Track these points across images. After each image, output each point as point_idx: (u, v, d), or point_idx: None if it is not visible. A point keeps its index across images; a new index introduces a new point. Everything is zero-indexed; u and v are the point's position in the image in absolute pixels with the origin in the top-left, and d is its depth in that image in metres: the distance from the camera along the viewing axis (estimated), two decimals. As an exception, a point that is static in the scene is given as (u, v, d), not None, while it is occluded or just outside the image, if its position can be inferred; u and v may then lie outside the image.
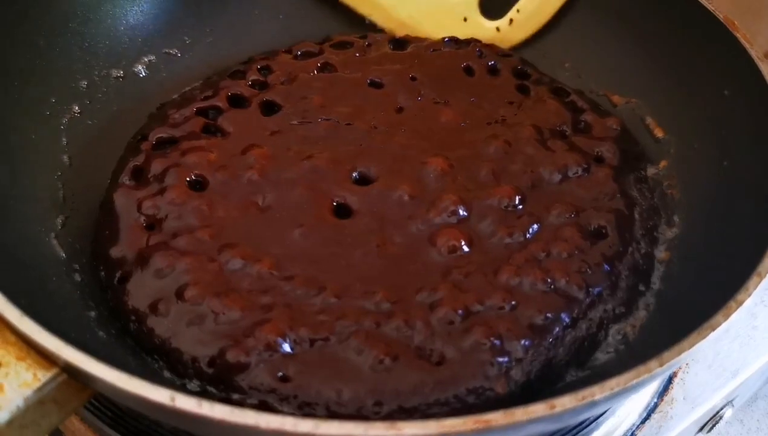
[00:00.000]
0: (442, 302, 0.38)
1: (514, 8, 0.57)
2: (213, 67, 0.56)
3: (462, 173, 0.46)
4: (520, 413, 0.28)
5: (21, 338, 0.31)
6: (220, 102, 0.51)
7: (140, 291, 0.40)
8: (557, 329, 0.38)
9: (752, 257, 0.35)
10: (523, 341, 0.37)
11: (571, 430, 0.44)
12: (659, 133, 0.50)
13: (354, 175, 0.46)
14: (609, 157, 0.48)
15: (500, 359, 0.36)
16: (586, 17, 0.55)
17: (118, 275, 0.41)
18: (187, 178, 0.45)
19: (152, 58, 0.55)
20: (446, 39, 0.57)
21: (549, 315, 0.38)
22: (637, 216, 0.45)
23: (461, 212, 0.43)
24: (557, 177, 0.46)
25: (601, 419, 0.45)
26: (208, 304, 0.39)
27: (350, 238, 0.42)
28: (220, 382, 0.36)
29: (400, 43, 0.57)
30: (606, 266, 0.41)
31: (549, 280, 0.40)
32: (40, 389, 0.31)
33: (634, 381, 0.30)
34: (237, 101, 0.51)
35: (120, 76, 0.53)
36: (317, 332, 0.37)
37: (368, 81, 0.53)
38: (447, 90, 0.52)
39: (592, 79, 0.55)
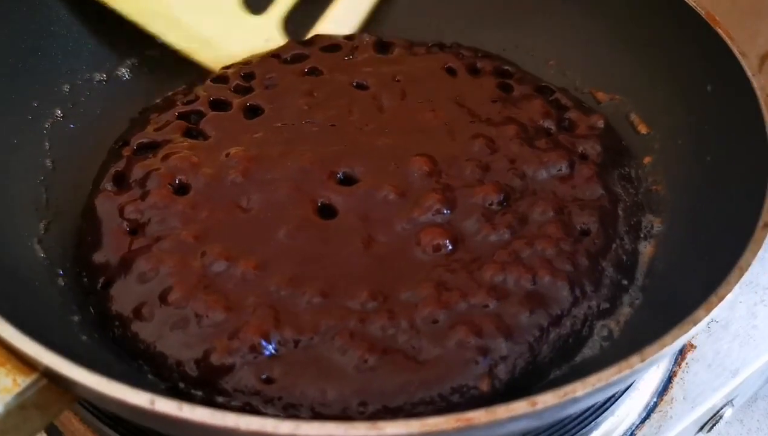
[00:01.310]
0: (426, 300, 0.38)
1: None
2: (196, 69, 0.56)
3: (446, 172, 0.46)
4: (502, 411, 0.28)
5: (0, 343, 0.31)
6: (201, 106, 0.51)
7: (124, 296, 0.40)
8: (541, 326, 0.38)
9: (734, 252, 0.35)
10: (507, 340, 0.37)
11: (570, 430, 0.45)
12: (643, 129, 0.50)
13: (338, 175, 0.46)
14: (593, 154, 0.48)
15: (484, 358, 0.36)
16: (570, 15, 0.55)
17: (101, 280, 0.41)
18: (170, 183, 0.45)
19: (135, 60, 0.55)
20: (430, 44, 0.57)
21: (533, 313, 0.38)
22: (620, 212, 0.45)
23: (445, 211, 0.43)
24: (541, 174, 0.46)
25: (600, 418, 0.45)
26: (192, 306, 0.38)
27: (335, 238, 0.42)
28: (205, 385, 0.36)
29: (385, 46, 0.57)
30: (590, 262, 0.41)
31: (533, 277, 0.40)
32: (20, 394, 0.31)
33: (616, 377, 0.30)
34: (219, 105, 0.51)
35: (103, 80, 0.53)
36: (301, 332, 0.37)
37: (354, 83, 0.53)
38: (430, 90, 0.52)
39: (577, 77, 0.55)
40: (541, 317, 0.38)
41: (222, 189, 0.45)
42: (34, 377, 0.31)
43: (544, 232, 0.42)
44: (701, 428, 0.53)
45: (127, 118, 0.52)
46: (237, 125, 0.49)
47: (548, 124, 0.50)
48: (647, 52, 0.51)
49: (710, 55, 0.46)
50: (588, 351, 0.39)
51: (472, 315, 0.38)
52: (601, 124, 0.50)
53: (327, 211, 0.44)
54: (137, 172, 0.46)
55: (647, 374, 0.49)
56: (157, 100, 0.53)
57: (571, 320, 0.39)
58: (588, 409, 0.45)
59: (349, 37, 0.57)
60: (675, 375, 0.50)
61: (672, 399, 0.48)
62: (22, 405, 0.31)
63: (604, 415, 0.46)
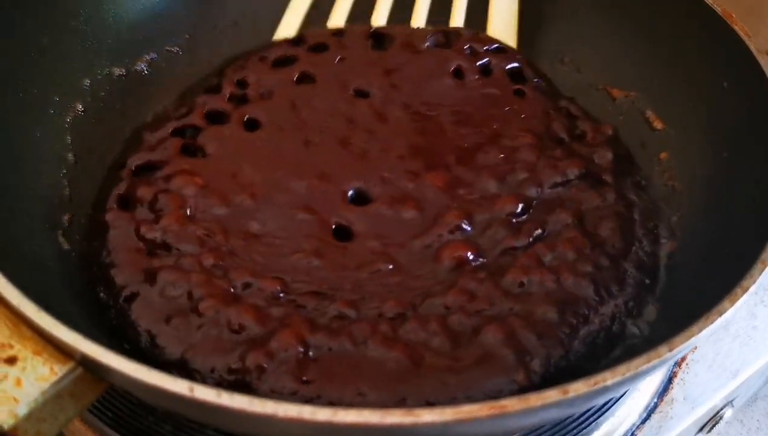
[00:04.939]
0: (454, 306, 0.39)
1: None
2: (214, 64, 0.56)
3: (462, 185, 0.45)
4: (534, 399, 0.29)
5: (37, 332, 0.31)
6: (197, 120, 0.49)
7: (148, 309, 0.39)
8: (570, 323, 0.38)
9: (756, 245, 0.35)
10: (537, 337, 0.37)
11: (571, 430, 0.45)
12: (659, 125, 0.51)
13: (350, 193, 0.45)
14: (606, 162, 0.48)
15: (517, 352, 0.36)
16: (585, 11, 0.56)
17: (123, 295, 0.40)
18: (180, 206, 0.43)
19: (154, 55, 0.55)
20: (430, 35, 0.55)
21: (560, 311, 0.38)
22: (637, 217, 0.45)
23: (465, 227, 0.43)
24: (559, 183, 0.46)
25: (601, 419, 0.46)
26: (224, 315, 0.38)
27: (354, 260, 0.41)
28: (240, 388, 0.36)
29: (379, 38, 0.55)
30: (611, 264, 0.41)
31: (557, 278, 0.40)
32: (57, 383, 0.31)
33: (645, 366, 0.30)
34: (215, 117, 0.49)
35: (122, 75, 0.53)
36: (334, 337, 0.37)
37: (353, 91, 0.51)
38: (437, 97, 0.50)
39: (592, 74, 0.55)
40: (569, 315, 0.38)
41: (233, 213, 0.43)
42: (70, 365, 0.31)
43: (563, 237, 0.42)
44: (701, 429, 0.53)
45: (146, 113, 0.52)
46: (236, 140, 0.47)
47: (562, 133, 0.50)
48: (663, 48, 0.51)
49: (726, 52, 0.46)
50: (619, 349, 0.39)
51: (500, 317, 0.38)
52: (610, 132, 0.50)
53: (343, 233, 0.43)
54: (143, 194, 0.44)
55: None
56: (148, 119, 0.51)
57: (599, 317, 0.39)
58: (589, 409, 0.46)
59: (337, 33, 0.54)
60: (675, 376, 0.50)
61: (672, 400, 0.49)
62: (58, 393, 0.31)
63: (605, 415, 0.46)
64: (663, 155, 0.49)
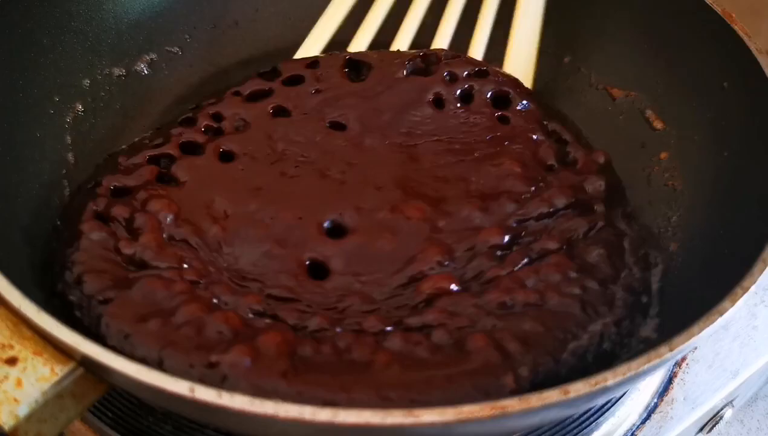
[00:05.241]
0: (435, 324, 0.38)
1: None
2: (214, 64, 0.56)
3: (442, 217, 0.43)
4: (535, 399, 0.29)
5: (38, 332, 0.31)
6: (171, 150, 0.48)
7: (124, 311, 0.37)
8: (557, 336, 0.37)
9: (756, 244, 0.35)
10: (521, 344, 0.36)
11: (571, 430, 0.45)
12: (659, 125, 0.51)
13: (325, 225, 0.43)
14: (597, 191, 0.46)
15: (504, 356, 0.36)
16: (585, 11, 0.56)
17: (97, 298, 0.39)
18: (156, 227, 0.42)
19: (154, 56, 0.55)
20: (408, 61, 0.52)
21: (544, 325, 0.37)
22: (627, 245, 0.43)
23: (446, 263, 0.41)
24: (546, 212, 0.44)
25: (601, 419, 0.46)
26: (207, 319, 0.37)
27: (329, 295, 0.40)
28: (219, 383, 0.34)
29: (356, 67, 0.53)
30: (600, 287, 0.40)
31: (540, 297, 0.39)
32: (57, 383, 0.31)
33: (646, 366, 0.30)
34: (190, 148, 0.48)
35: (122, 75, 0.53)
36: (318, 343, 0.37)
37: (329, 123, 0.49)
38: (417, 127, 0.49)
39: (592, 73, 0.55)
40: (555, 329, 0.37)
41: (206, 245, 0.42)
42: (71, 365, 0.31)
43: (549, 262, 0.41)
44: (702, 429, 0.53)
45: (146, 113, 0.53)
46: (210, 171, 0.46)
47: (550, 159, 0.47)
48: (663, 48, 0.51)
49: (726, 52, 0.46)
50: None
51: (484, 330, 0.37)
52: (602, 160, 0.48)
53: (318, 269, 0.41)
54: (120, 212, 0.43)
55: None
56: (123, 146, 0.50)
57: (588, 334, 0.38)
58: (588, 409, 0.45)
59: (312, 64, 0.53)
60: (675, 376, 0.50)
61: (672, 400, 0.49)
62: (59, 394, 0.31)
63: (604, 416, 0.46)
64: (663, 155, 0.49)
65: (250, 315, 0.38)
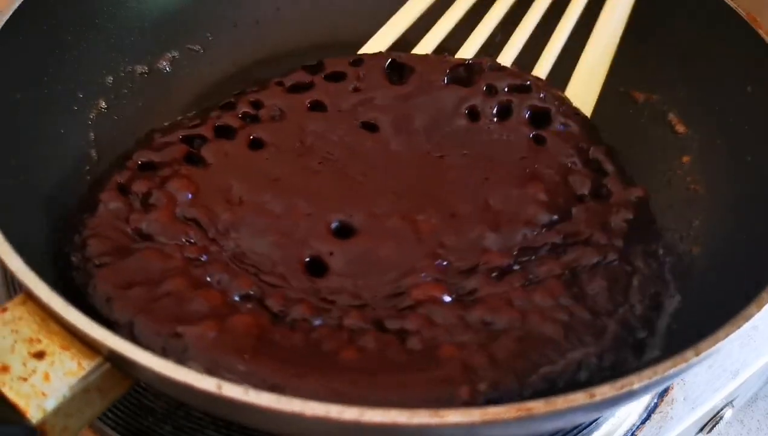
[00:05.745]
0: (412, 330, 0.38)
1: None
2: (235, 63, 0.57)
3: (452, 234, 0.43)
4: (561, 402, 0.29)
5: (65, 327, 0.32)
6: (206, 131, 0.48)
7: (114, 276, 0.38)
8: (530, 357, 0.36)
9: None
10: (489, 359, 0.35)
11: (571, 430, 0.44)
12: (681, 128, 0.50)
13: (333, 225, 0.43)
14: (619, 228, 0.43)
15: (466, 369, 0.35)
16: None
17: (95, 262, 0.39)
18: (169, 204, 0.43)
19: (176, 54, 0.55)
20: (450, 68, 0.51)
21: (519, 344, 0.36)
22: (635, 283, 0.41)
23: (442, 278, 0.41)
24: (559, 243, 0.42)
25: (601, 419, 0.45)
26: (189, 295, 0.38)
27: (321, 291, 0.40)
28: (176, 353, 0.35)
29: (399, 69, 0.53)
30: (591, 317, 0.38)
31: (521, 317, 0.38)
32: (84, 378, 0.31)
33: (672, 370, 0.30)
34: (223, 132, 0.49)
35: (144, 72, 0.54)
36: (291, 331, 0.37)
37: (360, 123, 0.49)
38: (447, 138, 0.48)
39: (614, 76, 0.54)
40: (530, 351, 0.36)
41: (214, 227, 0.43)
42: (98, 360, 0.31)
43: (543, 287, 0.39)
44: (702, 429, 0.53)
45: (169, 111, 0.52)
46: (237, 157, 0.47)
47: (581, 189, 0.45)
48: (686, 51, 0.51)
49: (751, 55, 0.46)
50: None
51: (456, 342, 0.37)
52: (641, 194, 0.45)
53: (316, 266, 0.42)
54: (139, 187, 0.44)
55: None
56: (165, 123, 0.50)
57: (564, 361, 0.36)
58: None
59: (356, 62, 0.53)
60: None
61: (672, 400, 0.48)
62: (86, 388, 0.31)
63: (605, 416, 0.46)
64: (685, 159, 0.49)
65: (236, 298, 0.39)
